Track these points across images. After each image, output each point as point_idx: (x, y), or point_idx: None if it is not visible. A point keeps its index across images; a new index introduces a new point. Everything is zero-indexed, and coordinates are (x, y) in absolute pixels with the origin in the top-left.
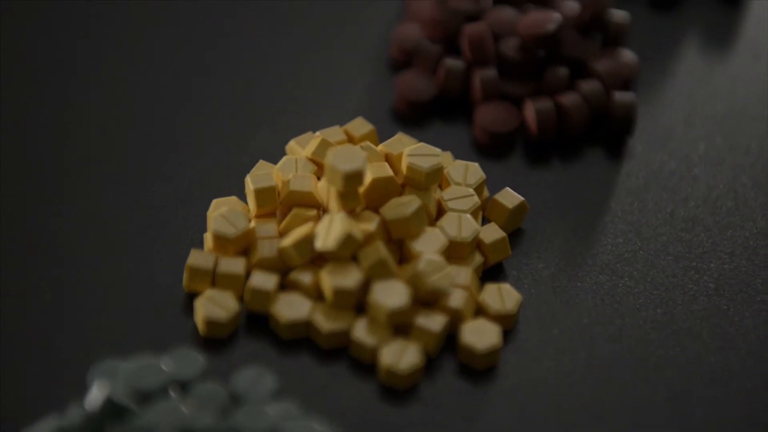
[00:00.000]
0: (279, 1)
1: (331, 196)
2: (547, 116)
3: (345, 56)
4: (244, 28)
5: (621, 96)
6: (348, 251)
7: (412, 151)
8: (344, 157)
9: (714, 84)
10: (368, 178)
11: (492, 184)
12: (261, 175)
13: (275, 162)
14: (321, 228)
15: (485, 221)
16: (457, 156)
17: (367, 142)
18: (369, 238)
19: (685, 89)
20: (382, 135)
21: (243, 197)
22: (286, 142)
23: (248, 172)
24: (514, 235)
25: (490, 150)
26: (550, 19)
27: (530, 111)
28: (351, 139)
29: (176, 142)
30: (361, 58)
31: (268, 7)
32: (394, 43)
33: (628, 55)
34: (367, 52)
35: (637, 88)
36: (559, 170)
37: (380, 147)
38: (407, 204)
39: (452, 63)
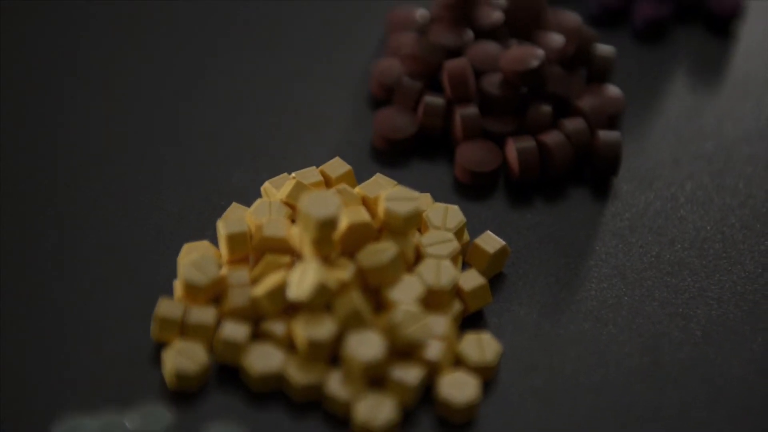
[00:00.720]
0: (255, 37)
1: (305, 241)
2: (529, 156)
3: (323, 92)
4: (220, 64)
5: (606, 135)
6: (321, 301)
7: (389, 195)
8: (318, 203)
9: (702, 121)
10: (344, 223)
11: (473, 225)
12: (233, 220)
13: (250, 203)
14: (294, 276)
15: (465, 265)
16: (438, 196)
17: (344, 185)
18: (343, 287)
19: (672, 126)
20: (360, 174)
21: (216, 240)
22: (263, 181)
23: (222, 213)
24: (495, 280)
25: (471, 190)
26: (533, 55)
27: (512, 151)
28: (327, 180)
29: (147, 181)
30: (340, 93)
31: (244, 43)
32: (374, 78)
33: (613, 91)
34: (346, 88)
35: (623, 125)
36: (541, 211)
37: (357, 189)
38: (384, 251)
39: (432, 100)
